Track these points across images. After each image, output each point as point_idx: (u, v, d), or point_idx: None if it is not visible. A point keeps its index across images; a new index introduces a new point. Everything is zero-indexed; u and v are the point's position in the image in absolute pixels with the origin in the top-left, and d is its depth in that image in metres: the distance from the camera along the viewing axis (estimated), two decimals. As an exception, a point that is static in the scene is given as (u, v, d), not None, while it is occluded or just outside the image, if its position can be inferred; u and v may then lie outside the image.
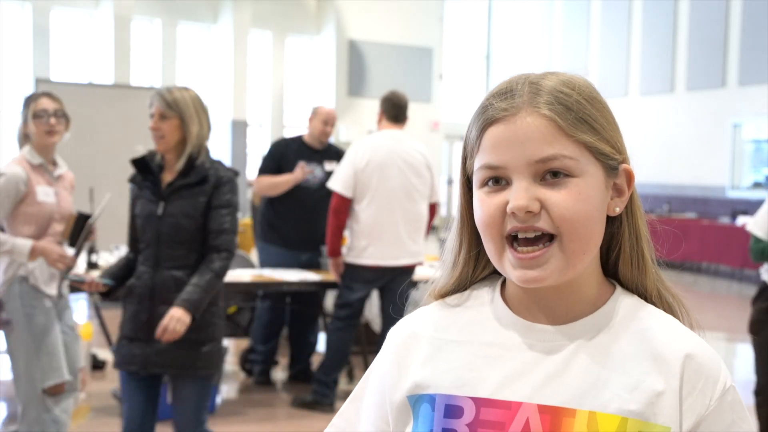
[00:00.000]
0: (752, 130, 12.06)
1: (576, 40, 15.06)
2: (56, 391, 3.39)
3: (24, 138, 3.45)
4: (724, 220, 11.64)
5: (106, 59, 12.57)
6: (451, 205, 17.68)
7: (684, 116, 12.92)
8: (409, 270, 4.78)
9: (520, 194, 0.92)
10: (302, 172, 5.06)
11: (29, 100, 3.42)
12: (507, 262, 0.94)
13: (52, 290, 3.44)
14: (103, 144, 7.67)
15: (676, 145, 12.81)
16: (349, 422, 1.09)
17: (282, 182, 5.12)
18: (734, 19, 12.16)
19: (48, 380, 3.37)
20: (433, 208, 4.88)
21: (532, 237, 0.92)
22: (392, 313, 4.81)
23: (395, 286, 4.78)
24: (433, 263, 5.93)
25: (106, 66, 12.53)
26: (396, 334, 1.06)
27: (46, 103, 3.40)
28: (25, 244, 3.28)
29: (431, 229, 5.00)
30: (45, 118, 3.38)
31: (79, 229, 3.42)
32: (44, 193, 3.38)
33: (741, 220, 10.53)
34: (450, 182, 17.58)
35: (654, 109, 13.24)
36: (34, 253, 3.29)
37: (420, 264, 4.86)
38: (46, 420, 3.35)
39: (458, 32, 17.27)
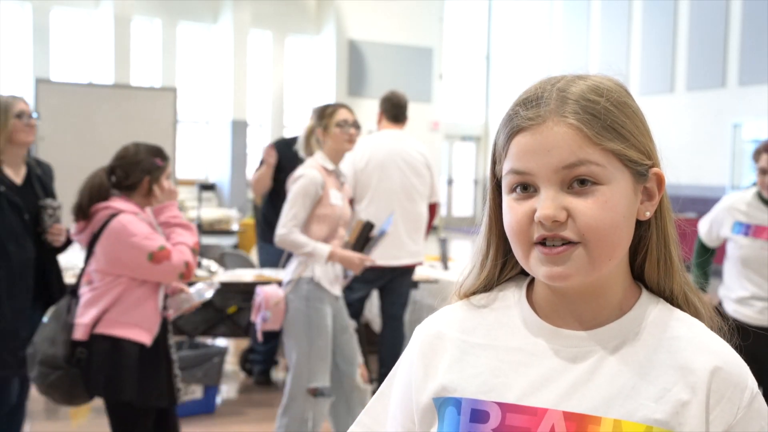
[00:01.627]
0: (752, 130, 12.06)
1: (576, 40, 15.06)
2: (315, 393, 3.53)
3: (313, 145, 3.64)
4: (724, 220, 11.63)
5: (106, 59, 12.57)
6: (451, 205, 17.67)
7: (684, 116, 12.92)
8: (409, 270, 4.78)
9: (547, 203, 0.92)
10: (266, 153, 5.08)
11: (326, 110, 3.60)
12: (534, 261, 0.95)
13: (336, 291, 3.59)
14: (103, 144, 7.65)
15: (676, 145, 12.81)
16: (376, 420, 1.09)
17: (262, 174, 5.12)
18: (734, 19, 12.16)
19: (313, 381, 3.50)
20: (433, 208, 4.88)
21: (559, 244, 0.93)
22: (393, 313, 4.81)
23: (395, 286, 4.78)
24: (433, 263, 5.92)
25: (106, 66, 12.53)
26: (422, 333, 1.06)
27: (346, 114, 3.60)
28: (325, 248, 3.45)
29: (431, 229, 4.99)
30: (346, 127, 3.57)
31: (365, 236, 3.63)
32: (335, 197, 3.57)
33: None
34: (450, 182, 17.58)
35: (654, 109, 13.23)
36: (332, 258, 3.45)
37: (420, 264, 4.86)
38: (307, 417, 3.50)
39: (458, 32, 17.26)
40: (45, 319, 3.04)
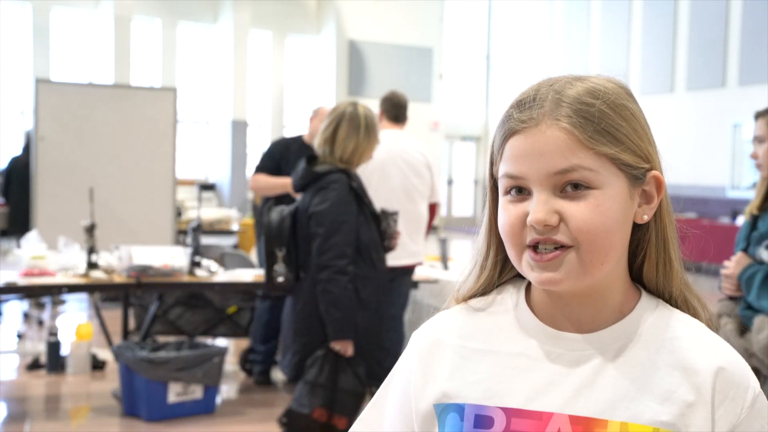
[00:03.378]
0: (752, 130, 12.05)
1: (576, 40, 15.06)
2: None
3: None
4: (724, 220, 11.64)
5: (106, 59, 12.58)
6: (451, 205, 17.67)
7: (684, 116, 12.93)
8: (409, 270, 4.78)
9: (538, 207, 0.92)
10: None
11: None
12: (525, 265, 0.95)
13: None
14: (103, 144, 7.66)
15: (676, 145, 12.81)
16: (371, 428, 1.08)
17: (279, 185, 5.11)
18: (734, 19, 12.17)
19: None
20: (433, 208, 4.88)
21: (552, 249, 0.92)
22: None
23: (395, 286, 4.77)
24: (434, 263, 5.93)
25: (106, 66, 12.54)
26: (420, 339, 1.05)
27: None
28: None
29: (431, 229, 4.99)
30: None
31: None
32: None
33: (741, 220, 10.52)
34: (450, 182, 17.57)
35: (654, 109, 13.23)
36: None
37: (420, 264, 4.86)
38: None
39: (458, 32, 17.27)
40: None
